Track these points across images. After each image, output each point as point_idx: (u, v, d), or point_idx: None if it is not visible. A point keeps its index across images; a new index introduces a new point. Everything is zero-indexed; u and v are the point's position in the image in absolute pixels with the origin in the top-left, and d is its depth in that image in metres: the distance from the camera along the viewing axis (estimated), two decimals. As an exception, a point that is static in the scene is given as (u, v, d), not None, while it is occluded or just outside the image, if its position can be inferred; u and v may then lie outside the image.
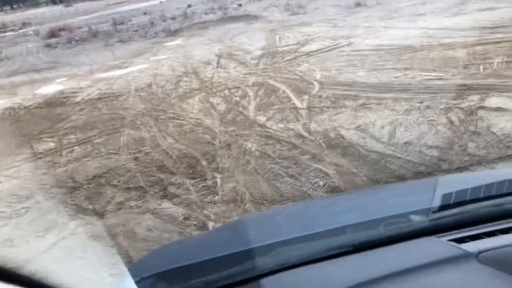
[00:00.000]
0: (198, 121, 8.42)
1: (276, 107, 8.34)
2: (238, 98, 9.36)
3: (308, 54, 12.43)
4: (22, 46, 25.14)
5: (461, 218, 1.10)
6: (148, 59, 15.67)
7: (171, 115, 9.08)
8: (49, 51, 21.82)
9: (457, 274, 0.78)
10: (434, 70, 9.01)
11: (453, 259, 0.81)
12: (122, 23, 27.27)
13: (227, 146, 7.00)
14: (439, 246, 0.93)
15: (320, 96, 8.50)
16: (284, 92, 9.21)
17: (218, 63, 13.20)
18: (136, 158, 7.11)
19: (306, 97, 8.61)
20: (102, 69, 15.38)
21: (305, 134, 6.94)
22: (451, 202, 1.19)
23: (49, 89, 13.90)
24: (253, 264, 0.96)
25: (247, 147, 6.84)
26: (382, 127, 6.80)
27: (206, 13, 25.57)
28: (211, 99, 9.67)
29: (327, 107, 7.83)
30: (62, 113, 11.23)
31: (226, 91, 10.13)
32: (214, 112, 8.76)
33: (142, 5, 39.75)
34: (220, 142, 7.26)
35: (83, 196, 6.15)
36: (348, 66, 10.57)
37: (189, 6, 30.58)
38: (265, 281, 0.91)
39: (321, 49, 12.75)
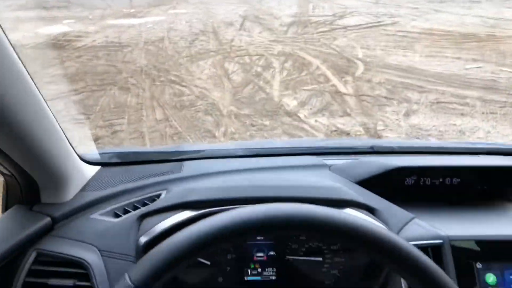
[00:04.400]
0: (204, 91, 5.72)
1: (310, 87, 5.57)
2: (259, 69, 6.61)
3: (345, 28, 9.53)
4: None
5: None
6: (166, 12, 12.80)
7: (173, 78, 6.40)
8: (66, -10, 18.85)
9: (313, 175, 1.02)
10: (518, 67, 6.16)
11: (315, 167, 1.06)
12: (147, -30, 23.97)
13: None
14: (311, 159, 1.12)
15: (369, 80, 5.72)
16: (318, 68, 6.44)
17: (241, 25, 10.32)
18: (97, 139, 4.47)
19: (349, 78, 5.84)
20: (115, 16, 12.55)
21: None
22: None
23: (53, 29, 11.20)
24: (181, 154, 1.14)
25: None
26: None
27: (236, -27, 22.16)
28: (226, 65, 6.94)
29: (385, 98, 5.05)
30: (57, 57, 8.64)
31: (246, 57, 7.38)
32: (226, 83, 6.05)
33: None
34: (224, 134, 4.44)
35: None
36: (396, 48, 7.72)
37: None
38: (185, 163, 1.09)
39: (361, 24, 9.82)
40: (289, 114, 4.73)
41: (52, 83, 6.91)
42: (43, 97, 0.81)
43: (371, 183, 0.99)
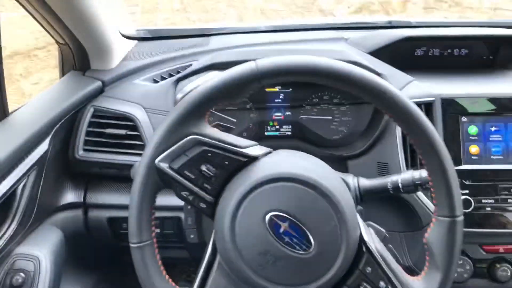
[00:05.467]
0: (227, -20, 5.36)
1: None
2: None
3: None
4: None
5: None
6: None
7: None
8: None
9: (330, 46, 1.14)
10: None
11: (333, 40, 1.18)
12: None
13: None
14: (330, 33, 1.24)
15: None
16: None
17: None
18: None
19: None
20: None
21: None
22: None
23: None
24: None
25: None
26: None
27: None
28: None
29: (433, 0, 4.67)
30: None
31: None
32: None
33: None
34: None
35: None
36: None
37: None
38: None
39: None
40: (323, 12, 4.44)
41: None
42: None
43: (383, 53, 1.09)
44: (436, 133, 0.62)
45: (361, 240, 0.65)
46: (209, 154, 0.65)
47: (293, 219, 0.61)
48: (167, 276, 0.66)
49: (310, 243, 0.61)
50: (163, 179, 0.65)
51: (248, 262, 0.62)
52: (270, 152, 0.68)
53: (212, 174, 0.65)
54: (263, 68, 0.62)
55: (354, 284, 0.64)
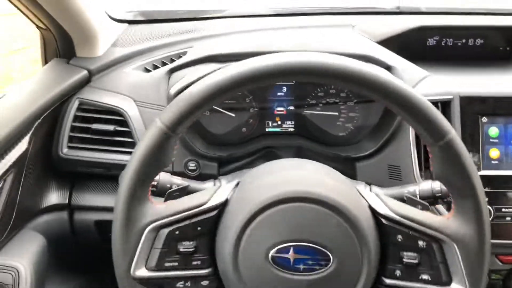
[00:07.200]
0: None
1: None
2: None
3: None
4: None
5: None
6: None
7: None
8: None
9: (336, 34, 1.09)
10: None
11: (339, 26, 1.13)
12: None
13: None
14: (336, 19, 1.18)
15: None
16: None
17: None
18: None
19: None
20: None
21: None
22: None
23: None
24: None
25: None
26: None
27: None
28: None
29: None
30: None
31: None
32: None
33: None
34: None
35: None
36: None
37: None
38: None
39: None
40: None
41: None
42: None
43: (393, 42, 1.03)
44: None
45: (374, 212, 0.60)
46: (177, 232, 0.59)
47: (294, 243, 0.56)
48: None
49: (326, 254, 0.56)
50: (151, 285, 0.59)
51: None
52: (237, 184, 0.62)
53: (193, 248, 0.59)
54: (168, 122, 0.57)
55: (396, 261, 0.59)
